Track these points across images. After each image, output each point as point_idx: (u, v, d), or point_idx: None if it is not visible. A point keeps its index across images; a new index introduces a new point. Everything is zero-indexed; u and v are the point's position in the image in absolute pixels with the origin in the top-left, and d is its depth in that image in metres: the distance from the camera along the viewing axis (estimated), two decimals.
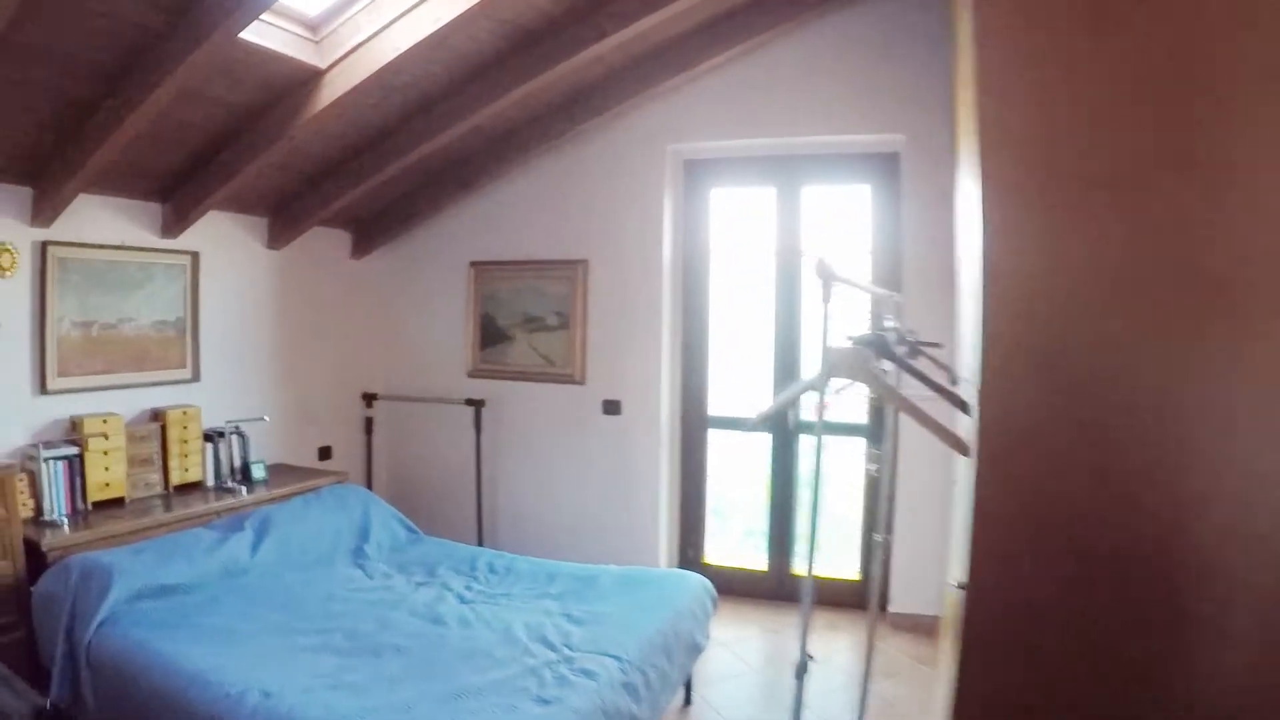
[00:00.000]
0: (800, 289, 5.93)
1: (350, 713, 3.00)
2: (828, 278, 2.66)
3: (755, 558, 6.26)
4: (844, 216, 5.96)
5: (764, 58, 5.66)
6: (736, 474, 6.44)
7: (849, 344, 2.78)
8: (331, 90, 4.45)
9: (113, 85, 3.96)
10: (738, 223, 6.30)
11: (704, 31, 5.33)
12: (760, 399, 6.08)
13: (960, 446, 2.47)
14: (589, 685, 3.26)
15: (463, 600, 4.26)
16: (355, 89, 4.40)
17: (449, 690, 3.21)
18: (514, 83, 4.91)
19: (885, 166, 5.65)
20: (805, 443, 5.99)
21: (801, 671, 2.68)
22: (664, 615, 3.99)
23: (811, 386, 2.83)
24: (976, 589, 2.02)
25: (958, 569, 2.42)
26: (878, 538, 3.61)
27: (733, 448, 6.39)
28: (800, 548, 6.06)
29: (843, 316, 5.48)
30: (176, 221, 5.25)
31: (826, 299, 2.70)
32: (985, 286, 2.04)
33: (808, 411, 5.90)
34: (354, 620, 3.95)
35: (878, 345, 2.76)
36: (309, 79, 4.48)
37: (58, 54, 3.68)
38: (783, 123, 5.69)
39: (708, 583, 4.53)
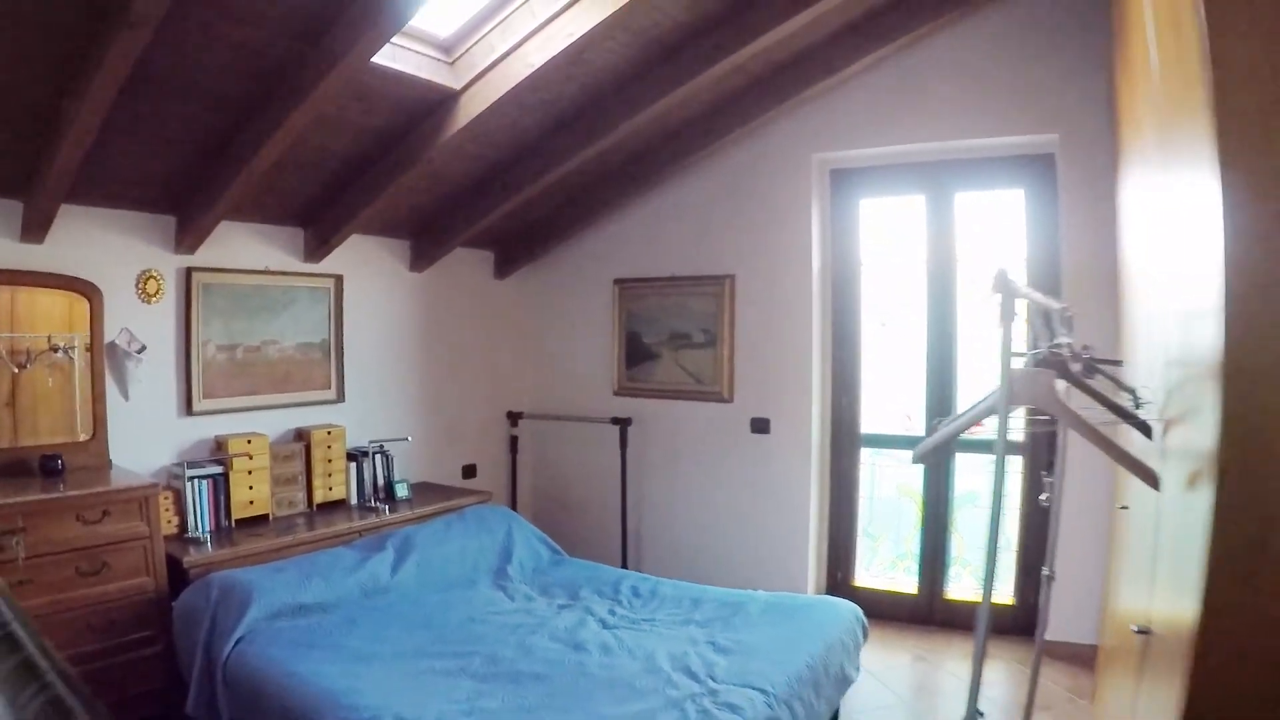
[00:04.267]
0: (955, 301, 5.66)
1: None
2: (1008, 293, 2.40)
3: (905, 581, 6.02)
4: (997, 224, 5.66)
5: (908, 60, 5.45)
6: (887, 494, 6.18)
7: (1027, 365, 2.54)
8: (467, 111, 4.45)
9: (249, 114, 4.04)
10: (887, 233, 6.07)
11: (846, 35, 5.17)
12: (914, 417, 5.86)
13: (1151, 479, 2.23)
14: None
15: (605, 625, 4.16)
16: (491, 109, 4.40)
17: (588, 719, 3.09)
18: (653, 97, 4.83)
19: (1039, 169, 5.35)
20: (961, 461, 5.73)
21: None
22: (814, 647, 3.79)
23: (990, 412, 2.63)
24: (1211, 633, 1.59)
25: (1130, 600, 2.15)
26: (1046, 572, 3.34)
27: (883, 466, 6.15)
28: (955, 571, 5.80)
29: (993, 331, 5.29)
30: (319, 246, 5.34)
31: (1007, 316, 2.44)
32: (1227, 299, 1.55)
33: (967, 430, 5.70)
34: (493, 644, 3.88)
35: (1055, 365, 2.51)
36: (444, 100, 4.50)
37: (193, 85, 3.76)
38: (931, 127, 5.45)
39: (859, 611, 4.32)
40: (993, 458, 2.52)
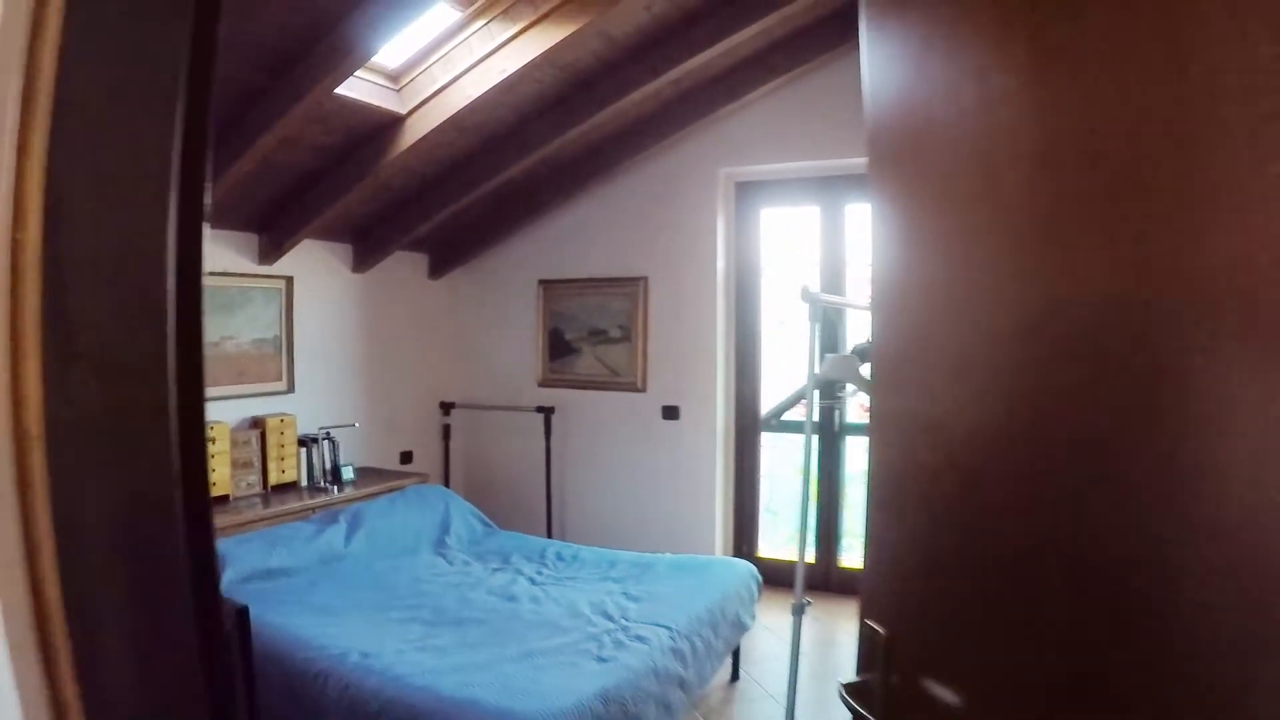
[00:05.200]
0: (843, 299, 6.29)
1: (437, 668, 3.53)
2: (813, 302, 3.17)
3: (809, 553, 6.61)
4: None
5: (806, 86, 6.04)
6: (786, 473, 6.85)
7: (846, 353, 3.31)
8: (411, 134, 4.98)
9: (223, 137, 4.51)
10: (786, 239, 6.75)
11: (749, 64, 5.79)
12: (809, 404, 6.51)
13: None
14: (642, 649, 3.76)
15: (534, 583, 4.78)
16: (432, 132, 4.93)
17: (521, 652, 3.73)
18: (574, 121, 5.43)
19: None
20: (851, 443, 6.40)
21: (799, 611, 3.24)
22: (712, 595, 4.48)
23: (806, 392, 3.67)
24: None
25: None
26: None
27: (785, 448, 6.82)
28: (848, 542, 6.48)
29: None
30: (272, 250, 5.79)
31: (814, 319, 3.38)
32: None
33: (854, 414, 6.39)
34: (438, 599, 4.49)
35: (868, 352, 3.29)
36: (392, 123, 5.03)
37: None
38: (824, 145, 6.02)
39: (754, 569, 5.02)
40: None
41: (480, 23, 4.61)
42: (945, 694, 1.28)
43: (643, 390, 6.81)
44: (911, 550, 1.44)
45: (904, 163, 1.56)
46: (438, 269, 7.45)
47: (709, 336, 6.56)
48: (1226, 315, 0.97)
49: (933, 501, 1.39)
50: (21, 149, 0.90)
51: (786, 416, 6.56)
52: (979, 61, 1.34)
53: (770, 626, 5.65)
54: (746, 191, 6.70)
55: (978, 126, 1.33)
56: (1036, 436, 1.17)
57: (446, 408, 7.47)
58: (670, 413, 6.70)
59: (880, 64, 1.60)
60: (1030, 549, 1.16)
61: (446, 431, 7.48)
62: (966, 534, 1.30)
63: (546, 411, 7.03)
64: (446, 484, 7.34)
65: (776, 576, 6.14)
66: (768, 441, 6.80)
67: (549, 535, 6.91)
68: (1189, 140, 1.02)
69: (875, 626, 1.44)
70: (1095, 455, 1.08)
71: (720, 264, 6.55)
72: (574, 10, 4.36)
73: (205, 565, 1.12)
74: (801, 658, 5.33)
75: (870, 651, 1.46)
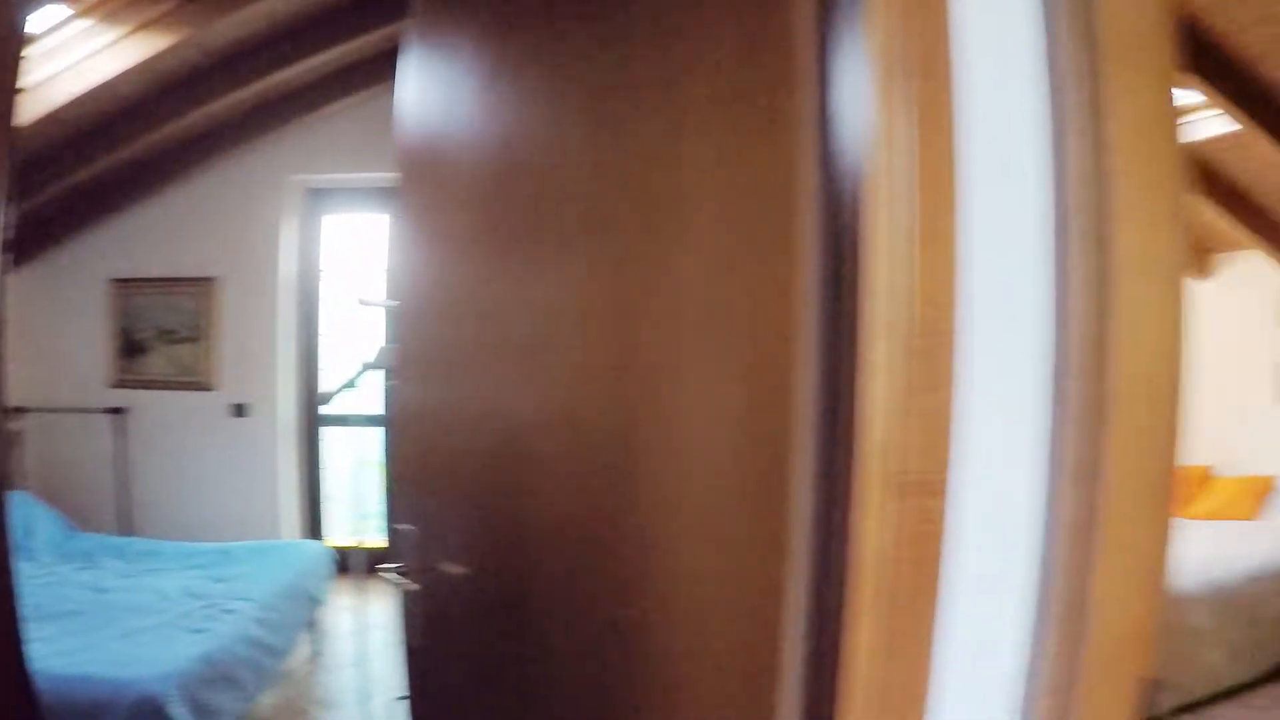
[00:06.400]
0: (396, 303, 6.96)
1: (44, 655, 3.88)
2: (368, 306, 4.04)
3: (377, 537, 7.11)
4: None
5: (382, 103, 6.34)
6: (349, 465, 7.40)
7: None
8: None
9: None
10: (358, 244, 7.40)
11: (330, 80, 6.34)
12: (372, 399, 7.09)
13: None
14: (231, 618, 4.39)
15: (122, 575, 5.21)
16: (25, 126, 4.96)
17: (121, 632, 4.21)
18: (162, 122, 5.76)
19: None
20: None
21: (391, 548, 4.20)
22: (289, 572, 5.19)
23: (355, 379, 4.69)
24: None
25: None
26: None
27: (357, 440, 7.28)
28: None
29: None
30: None
31: (367, 323, 3.99)
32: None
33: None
34: (31, 599, 4.70)
35: None
36: None
37: None
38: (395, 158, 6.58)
39: (327, 549, 5.77)
40: None
41: (85, 23, 4.80)
42: (454, 569, 1.99)
43: (214, 389, 7.08)
44: (421, 480, 2.26)
45: (417, 180, 2.26)
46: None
47: (275, 336, 7.00)
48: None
49: (431, 453, 2.19)
50: None
51: (352, 411, 7.16)
52: (467, 96, 1.93)
53: (349, 606, 6.25)
54: (319, 198, 7.25)
55: (465, 151, 1.94)
56: (490, 413, 1.89)
57: (14, 413, 7.25)
58: (239, 410, 7.05)
59: (406, 92, 2.31)
60: (490, 482, 1.90)
61: (15, 438, 7.30)
62: (455, 474, 2.08)
63: (119, 412, 7.10)
64: (23, 490, 7.19)
65: (352, 562, 6.57)
66: (336, 435, 7.40)
67: (131, 533, 6.98)
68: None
69: (407, 527, 2.18)
70: (522, 430, 1.76)
71: (288, 266, 7.03)
72: (174, 22, 4.74)
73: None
74: (379, 630, 6.03)
75: (405, 544, 2.17)
